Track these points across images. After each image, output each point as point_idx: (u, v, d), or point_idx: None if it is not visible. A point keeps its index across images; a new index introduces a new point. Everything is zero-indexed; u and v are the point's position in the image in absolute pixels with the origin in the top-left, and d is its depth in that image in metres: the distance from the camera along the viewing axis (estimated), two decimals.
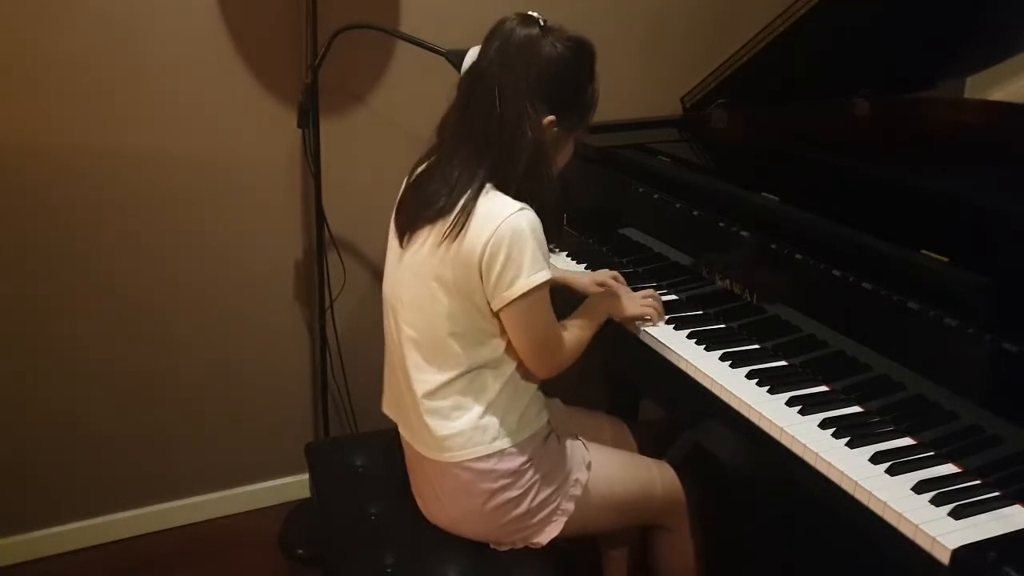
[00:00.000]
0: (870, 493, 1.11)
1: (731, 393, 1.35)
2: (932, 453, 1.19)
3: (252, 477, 2.28)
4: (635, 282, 1.71)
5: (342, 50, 1.86)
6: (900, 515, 1.06)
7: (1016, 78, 2.22)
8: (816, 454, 1.19)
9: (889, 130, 2.16)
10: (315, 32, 1.88)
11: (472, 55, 1.67)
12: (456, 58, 1.73)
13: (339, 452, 1.70)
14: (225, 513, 2.26)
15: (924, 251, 1.26)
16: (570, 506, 1.43)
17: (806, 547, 1.42)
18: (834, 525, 1.18)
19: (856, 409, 1.31)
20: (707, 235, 1.63)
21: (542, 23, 1.31)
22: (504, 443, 1.36)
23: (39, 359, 1.97)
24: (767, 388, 1.35)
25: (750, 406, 1.31)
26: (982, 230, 1.52)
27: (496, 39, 1.31)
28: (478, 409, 1.36)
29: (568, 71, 1.32)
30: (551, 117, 1.32)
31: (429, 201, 1.33)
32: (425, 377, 1.37)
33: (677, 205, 1.72)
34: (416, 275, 1.35)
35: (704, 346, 1.49)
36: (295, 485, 2.29)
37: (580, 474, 1.45)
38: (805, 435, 1.23)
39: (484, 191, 1.29)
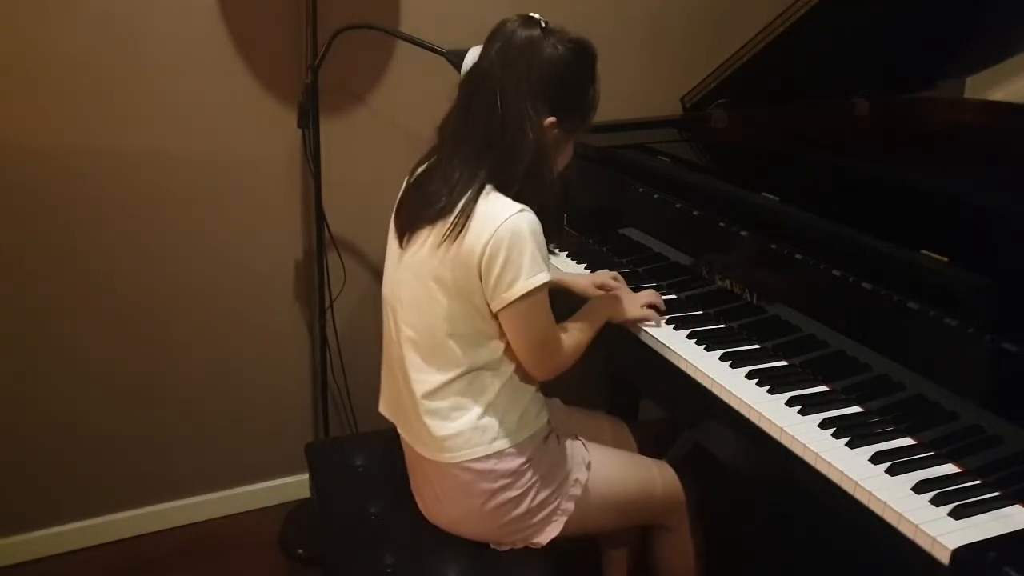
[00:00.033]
0: (870, 493, 1.11)
1: (731, 393, 1.35)
2: (932, 453, 1.19)
3: (252, 477, 2.28)
4: (635, 282, 1.71)
5: (342, 50, 1.86)
6: (900, 515, 1.06)
7: (1016, 78, 2.22)
8: (816, 454, 1.19)
9: (889, 130, 2.16)
10: (315, 32, 1.88)
11: (472, 55, 1.67)
12: (456, 58, 1.73)
13: (339, 452, 1.69)
14: (225, 513, 2.26)
15: (924, 251, 1.26)
16: (570, 506, 1.43)
17: (806, 547, 1.42)
18: (834, 525, 1.18)
19: (856, 409, 1.31)
20: (707, 235, 1.63)
21: (543, 24, 1.31)
22: (504, 443, 1.36)
23: (39, 359, 1.97)
24: (767, 388, 1.35)
25: (750, 406, 1.31)
26: (982, 230, 1.52)
27: (497, 40, 1.31)
28: (478, 409, 1.36)
29: (569, 72, 1.32)
30: (552, 118, 1.32)
31: (429, 201, 1.33)
32: (424, 378, 1.37)
33: (677, 205, 1.72)
34: (415, 275, 1.35)
35: (704, 346, 1.49)
36: (295, 485, 2.29)
37: (580, 474, 1.45)
38: (805, 435, 1.23)
39: (484, 192, 1.29)
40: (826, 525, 1.21)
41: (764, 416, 1.29)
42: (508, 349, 1.37)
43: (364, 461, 1.66)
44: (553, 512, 1.42)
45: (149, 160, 1.93)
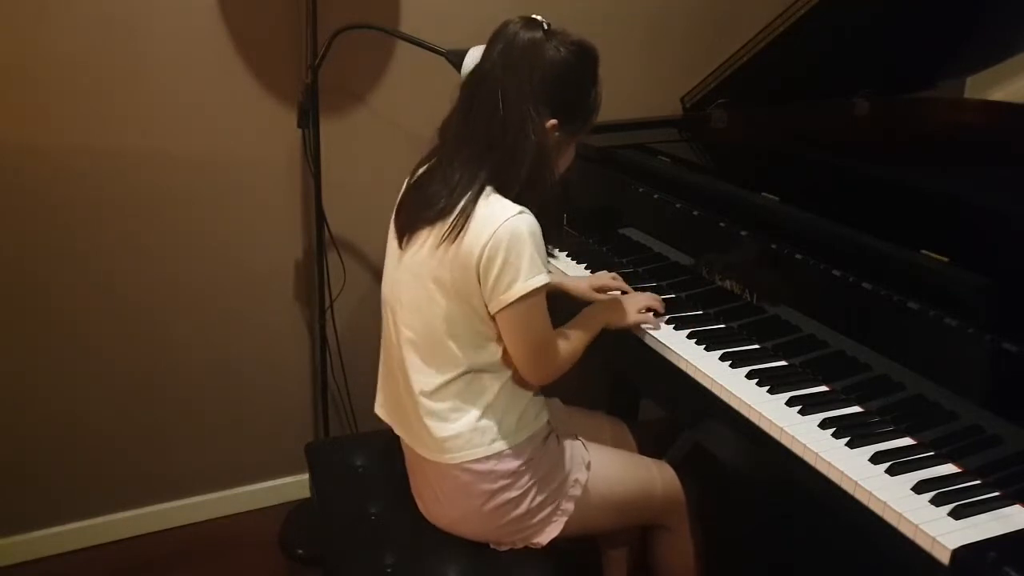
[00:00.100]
0: (870, 493, 1.11)
1: (731, 393, 1.35)
2: (932, 453, 1.19)
3: (252, 477, 2.28)
4: (635, 282, 1.71)
5: (342, 50, 1.86)
6: (900, 515, 1.06)
7: (1016, 78, 2.22)
8: (816, 454, 1.19)
9: (889, 130, 2.16)
10: (315, 32, 1.88)
11: (472, 55, 1.68)
12: (456, 58, 1.73)
13: (339, 452, 1.70)
14: (225, 513, 2.26)
15: (924, 251, 1.26)
16: (570, 506, 1.43)
17: (806, 547, 1.42)
18: (834, 525, 1.18)
19: (856, 409, 1.31)
20: (707, 235, 1.63)
21: (546, 26, 1.31)
22: (503, 444, 1.36)
23: (39, 359, 1.97)
24: (767, 388, 1.35)
25: (750, 406, 1.31)
26: (982, 230, 1.52)
27: (499, 42, 1.31)
28: (477, 410, 1.36)
29: (571, 75, 1.32)
30: (554, 121, 1.31)
31: (429, 202, 1.33)
32: (424, 378, 1.37)
33: (677, 205, 1.72)
34: (415, 276, 1.35)
35: (704, 346, 1.49)
36: (295, 485, 2.29)
37: (580, 474, 1.45)
38: (805, 435, 1.23)
39: (484, 194, 1.29)
40: (826, 525, 1.21)
41: (764, 416, 1.29)
42: (507, 350, 1.36)
43: (364, 461, 1.66)
44: (553, 512, 1.42)
45: (149, 160, 1.93)
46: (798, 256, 1.43)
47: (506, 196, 1.29)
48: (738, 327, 1.55)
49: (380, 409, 1.52)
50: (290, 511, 2.24)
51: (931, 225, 1.51)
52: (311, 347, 2.23)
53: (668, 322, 1.58)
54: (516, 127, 1.28)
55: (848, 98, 2.16)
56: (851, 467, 1.16)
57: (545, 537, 1.42)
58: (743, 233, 1.55)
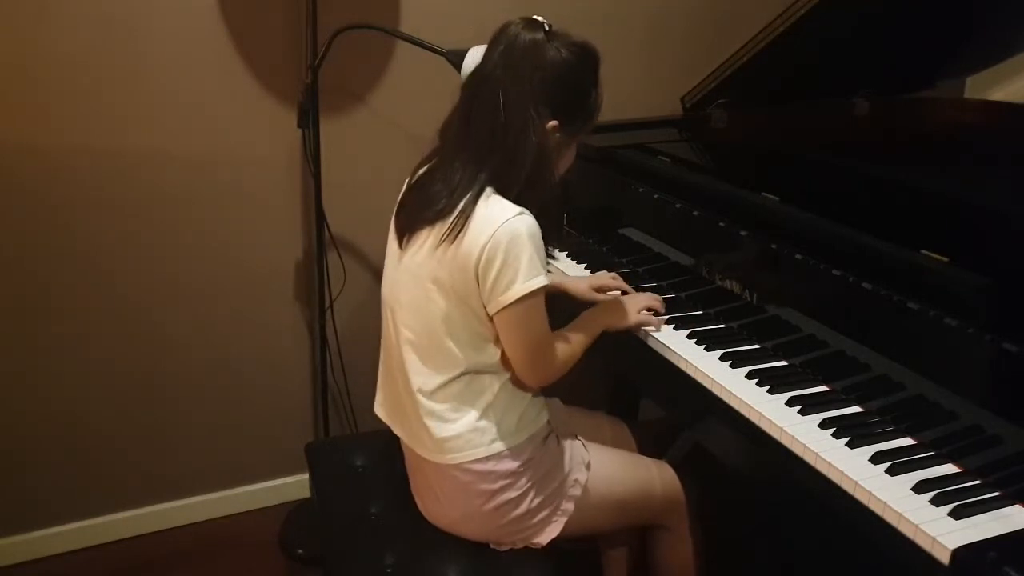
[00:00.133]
0: (870, 493, 1.11)
1: (731, 393, 1.35)
2: (932, 453, 1.19)
3: (252, 477, 2.29)
4: (635, 282, 1.71)
5: (342, 50, 1.86)
6: (900, 515, 1.06)
7: (1016, 78, 2.22)
8: (816, 454, 1.19)
9: (889, 130, 2.16)
10: (315, 32, 1.88)
11: (472, 56, 1.68)
12: (456, 58, 1.73)
13: (339, 452, 1.70)
14: (225, 513, 2.26)
15: (924, 251, 1.26)
16: (570, 506, 1.43)
17: (806, 547, 1.42)
18: (834, 525, 1.18)
19: (856, 409, 1.31)
20: (707, 235, 1.63)
21: (547, 28, 1.31)
22: (503, 445, 1.36)
23: (39, 359, 1.97)
24: (767, 388, 1.35)
25: (750, 406, 1.31)
26: (982, 230, 1.52)
27: (500, 43, 1.31)
28: (477, 411, 1.36)
29: (572, 76, 1.32)
30: (554, 122, 1.31)
31: (429, 203, 1.33)
32: (423, 379, 1.37)
33: (677, 205, 1.72)
34: (414, 277, 1.35)
35: (704, 346, 1.49)
36: (295, 485, 2.29)
37: (579, 474, 1.45)
38: (805, 435, 1.23)
39: (484, 195, 1.29)
40: (826, 525, 1.21)
41: (764, 416, 1.29)
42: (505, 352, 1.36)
43: (364, 461, 1.66)
44: (553, 512, 1.42)
45: (149, 160, 1.93)
46: (798, 256, 1.43)
47: (506, 197, 1.29)
48: (738, 327, 1.55)
49: (380, 409, 1.52)
50: (290, 511, 2.24)
51: (931, 225, 1.51)
52: (311, 347, 2.23)
53: (668, 322, 1.58)
54: (517, 128, 1.28)
55: (848, 98, 2.16)
56: (851, 467, 1.16)
57: (545, 537, 1.42)
58: (743, 233, 1.55)
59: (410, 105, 2.12)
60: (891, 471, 1.15)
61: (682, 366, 1.47)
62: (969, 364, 1.17)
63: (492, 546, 1.43)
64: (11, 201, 1.85)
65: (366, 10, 1.99)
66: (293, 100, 1.95)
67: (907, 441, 1.22)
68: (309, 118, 1.89)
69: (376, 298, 1.50)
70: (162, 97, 1.91)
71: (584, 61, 1.33)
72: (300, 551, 2.11)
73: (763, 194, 1.58)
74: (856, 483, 1.13)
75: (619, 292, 1.67)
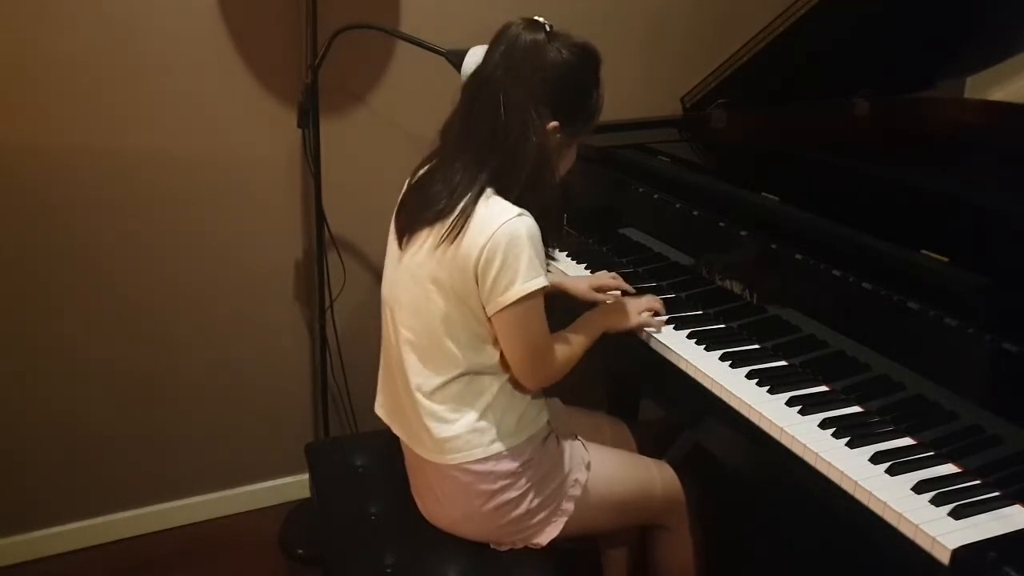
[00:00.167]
0: (870, 493, 1.11)
1: (731, 393, 1.35)
2: (932, 453, 1.19)
3: (252, 477, 2.28)
4: (635, 282, 1.71)
5: (342, 50, 1.86)
6: (900, 515, 1.06)
7: (1016, 78, 2.22)
8: (816, 454, 1.19)
9: (889, 130, 2.16)
10: (315, 32, 1.88)
11: (472, 55, 1.68)
12: (456, 58, 1.73)
13: (339, 452, 1.70)
14: (225, 513, 2.26)
15: (924, 251, 1.26)
16: (569, 506, 1.43)
17: (806, 547, 1.42)
18: (834, 525, 1.18)
19: (856, 409, 1.31)
20: (707, 235, 1.63)
21: (548, 28, 1.31)
22: (503, 445, 1.36)
23: (39, 359, 1.97)
24: (767, 388, 1.35)
25: (750, 406, 1.31)
26: (982, 230, 1.52)
27: (501, 44, 1.31)
28: (476, 411, 1.36)
29: (573, 77, 1.32)
30: (555, 123, 1.31)
31: (429, 203, 1.33)
32: (422, 379, 1.37)
33: (677, 205, 1.72)
34: (413, 277, 1.35)
35: (704, 346, 1.49)
36: (295, 485, 2.29)
37: (579, 474, 1.45)
38: (805, 435, 1.23)
39: (484, 195, 1.29)
40: (826, 525, 1.21)
41: (764, 416, 1.29)
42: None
43: (364, 461, 1.66)
44: (553, 513, 1.42)
45: (149, 160, 1.93)
46: (798, 256, 1.43)
47: (506, 198, 1.29)
48: (738, 327, 1.55)
49: (380, 409, 1.52)
50: (290, 511, 2.24)
51: (931, 225, 1.51)
52: (311, 347, 2.23)
53: (668, 322, 1.58)
54: (517, 129, 1.28)
55: (848, 98, 2.16)
56: (851, 467, 1.16)
57: (545, 537, 1.42)
58: (743, 233, 1.55)
59: (410, 105, 2.12)
60: (891, 471, 1.15)
61: (682, 366, 1.47)
62: (969, 364, 1.17)
63: (492, 546, 1.43)
64: (11, 201, 1.85)
65: (366, 10, 1.99)
66: (293, 100, 1.95)
67: (907, 441, 1.22)
68: (309, 118, 1.89)
69: (376, 298, 1.50)
70: (162, 97, 1.91)
71: (585, 62, 1.33)
72: (300, 551, 2.11)
73: (763, 194, 1.58)
74: (856, 483, 1.13)
75: (619, 292, 1.67)
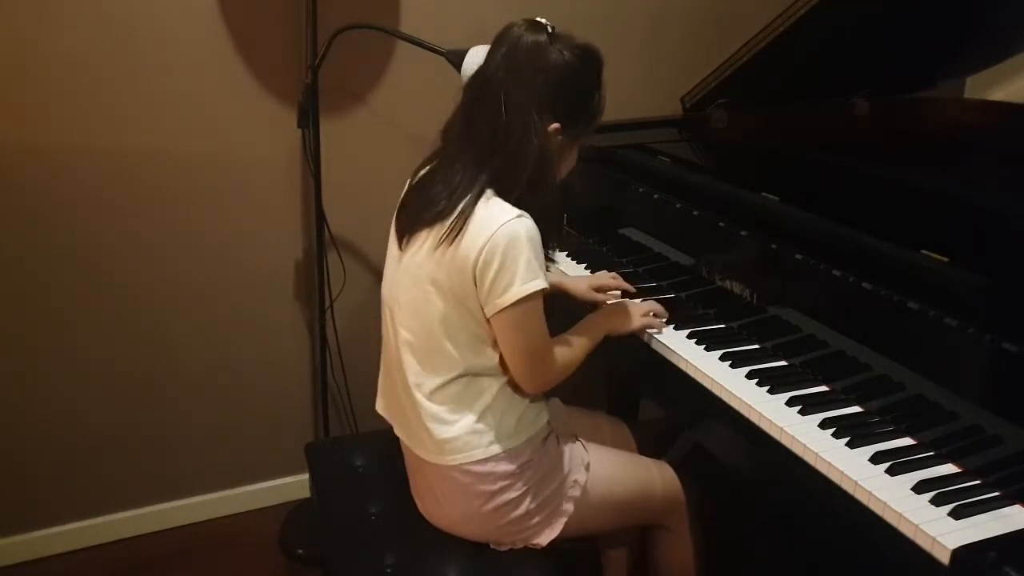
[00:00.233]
0: (870, 493, 1.11)
1: (731, 393, 1.35)
2: (932, 453, 1.19)
3: (252, 477, 2.28)
4: (635, 282, 1.71)
5: (342, 50, 1.86)
6: (900, 515, 1.06)
7: (1016, 78, 2.22)
8: (816, 454, 1.19)
9: (889, 130, 2.16)
10: (315, 32, 1.88)
11: (472, 55, 1.68)
12: (456, 58, 1.73)
13: (339, 452, 1.70)
14: (225, 513, 2.26)
15: (924, 251, 1.26)
16: (569, 507, 1.43)
17: (806, 547, 1.42)
18: (834, 525, 1.18)
19: (856, 409, 1.31)
20: (707, 235, 1.63)
21: (550, 30, 1.31)
22: (502, 446, 1.36)
23: (39, 359, 1.97)
24: (767, 388, 1.35)
25: (750, 406, 1.31)
26: (982, 230, 1.52)
27: (503, 45, 1.31)
28: (476, 413, 1.36)
29: (575, 79, 1.32)
30: (556, 125, 1.31)
31: (429, 204, 1.33)
32: (422, 380, 1.36)
33: (677, 205, 1.72)
34: (413, 278, 1.35)
35: (704, 346, 1.49)
36: (295, 485, 2.29)
37: (579, 475, 1.45)
38: (805, 435, 1.23)
39: (484, 196, 1.29)
40: (826, 525, 1.21)
41: (764, 416, 1.29)
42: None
43: (364, 461, 1.66)
44: (552, 513, 1.42)
45: (149, 160, 1.93)
46: (798, 256, 1.43)
47: (507, 199, 1.29)
48: (738, 327, 1.55)
49: (380, 407, 1.52)
50: (290, 511, 2.24)
51: (931, 225, 1.51)
52: (311, 347, 2.23)
53: (668, 322, 1.57)
54: (518, 131, 1.28)
55: (848, 98, 2.16)
56: (851, 467, 1.16)
57: (545, 538, 1.42)
58: (743, 233, 1.55)
59: (410, 105, 2.12)
60: (891, 471, 1.15)
61: (682, 366, 1.47)
62: (969, 364, 1.17)
63: (492, 546, 1.43)
64: (11, 201, 1.85)
65: (366, 10, 1.99)
66: (293, 100, 1.95)
67: (907, 441, 1.22)
68: (309, 118, 1.89)
69: (376, 298, 1.50)
70: (162, 97, 1.91)
71: (587, 63, 1.33)
72: (300, 551, 2.11)
73: (763, 194, 1.58)
74: (856, 483, 1.13)
75: (619, 292, 1.67)
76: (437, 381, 1.35)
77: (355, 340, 2.21)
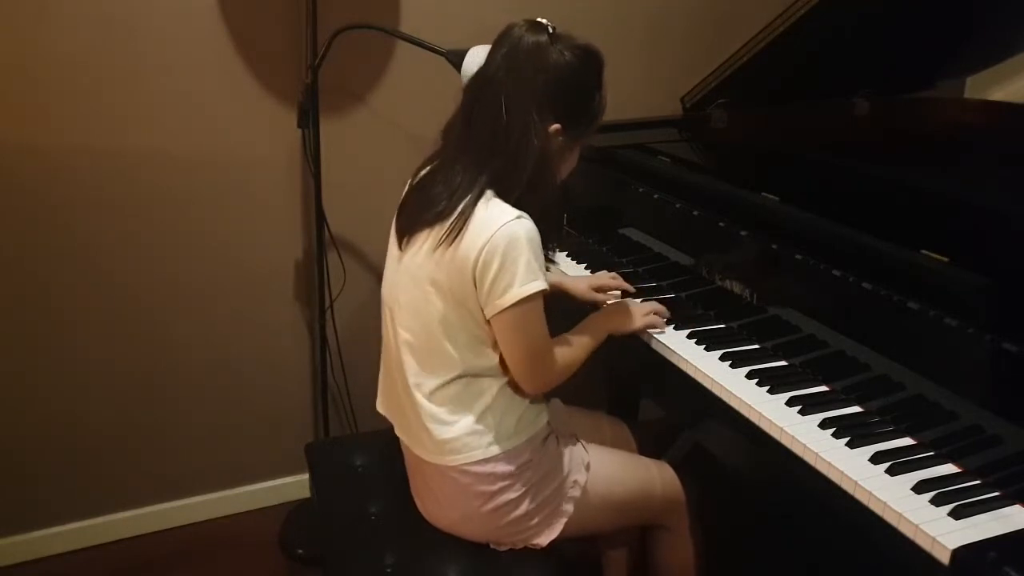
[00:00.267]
0: (870, 493, 1.11)
1: (731, 393, 1.35)
2: (932, 453, 1.19)
3: (252, 477, 2.28)
4: (635, 282, 1.71)
5: (342, 50, 1.86)
6: (900, 515, 1.06)
7: (1016, 78, 2.22)
8: (816, 454, 1.19)
9: (889, 130, 2.16)
10: (315, 32, 1.88)
11: (473, 55, 1.68)
12: (456, 58, 1.73)
13: (339, 452, 1.69)
14: (225, 513, 2.26)
15: (924, 251, 1.26)
16: (569, 507, 1.43)
17: (806, 547, 1.42)
18: (834, 525, 1.18)
19: (856, 409, 1.31)
20: (707, 235, 1.63)
21: (551, 30, 1.30)
22: (502, 446, 1.36)
23: (39, 359, 1.97)
24: (767, 388, 1.35)
25: (750, 406, 1.31)
26: (982, 230, 1.52)
27: (504, 45, 1.31)
28: (476, 413, 1.36)
29: (576, 79, 1.31)
30: (557, 125, 1.31)
31: (429, 204, 1.33)
32: (421, 381, 1.36)
33: (677, 205, 1.72)
34: (413, 278, 1.35)
35: (704, 346, 1.49)
36: (295, 485, 2.29)
37: (579, 475, 1.45)
38: (805, 435, 1.23)
39: (484, 197, 1.28)
40: (826, 525, 1.21)
41: (764, 416, 1.29)
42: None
43: (364, 461, 1.66)
44: (552, 514, 1.42)
45: (149, 160, 1.93)
46: (798, 256, 1.43)
47: (507, 200, 1.28)
48: (738, 327, 1.55)
49: (381, 407, 1.52)
50: (290, 511, 2.24)
51: (931, 225, 1.51)
52: (311, 347, 2.23)
53: (668, 322, 1.57)
54: (519, 132, 1.27)
55: (848, 98, 2.16)
56: (851, 467, 1.16)
57: (545, 538, 1.42)
58: (743, 233, 1.55)
59: (410, 105, 2.12)
60: (891, 471, 1.15)
61: (682, 366, 1.47)
62: (969, 364, 1.17)
63: (492, 547, 1.43)
64: (11, 201, 1.85)
65: (366, 10, 1.99)
66: (293, 100, 1.95)
67: (907, 441, 1.22)
68: (309, 118, 1.89)
69: (376, 298, 1.50)
70: (162, 97, 1.91)
71: (588, 64, 1.33)
72: (300, 551, 2.11)
73: (763, 194, 1.58)
74: (856, 483, 1.13)
75: (619, 292, 1.67)
76: (437, 381, 1.35)
77: (355, 340, 2.21)
